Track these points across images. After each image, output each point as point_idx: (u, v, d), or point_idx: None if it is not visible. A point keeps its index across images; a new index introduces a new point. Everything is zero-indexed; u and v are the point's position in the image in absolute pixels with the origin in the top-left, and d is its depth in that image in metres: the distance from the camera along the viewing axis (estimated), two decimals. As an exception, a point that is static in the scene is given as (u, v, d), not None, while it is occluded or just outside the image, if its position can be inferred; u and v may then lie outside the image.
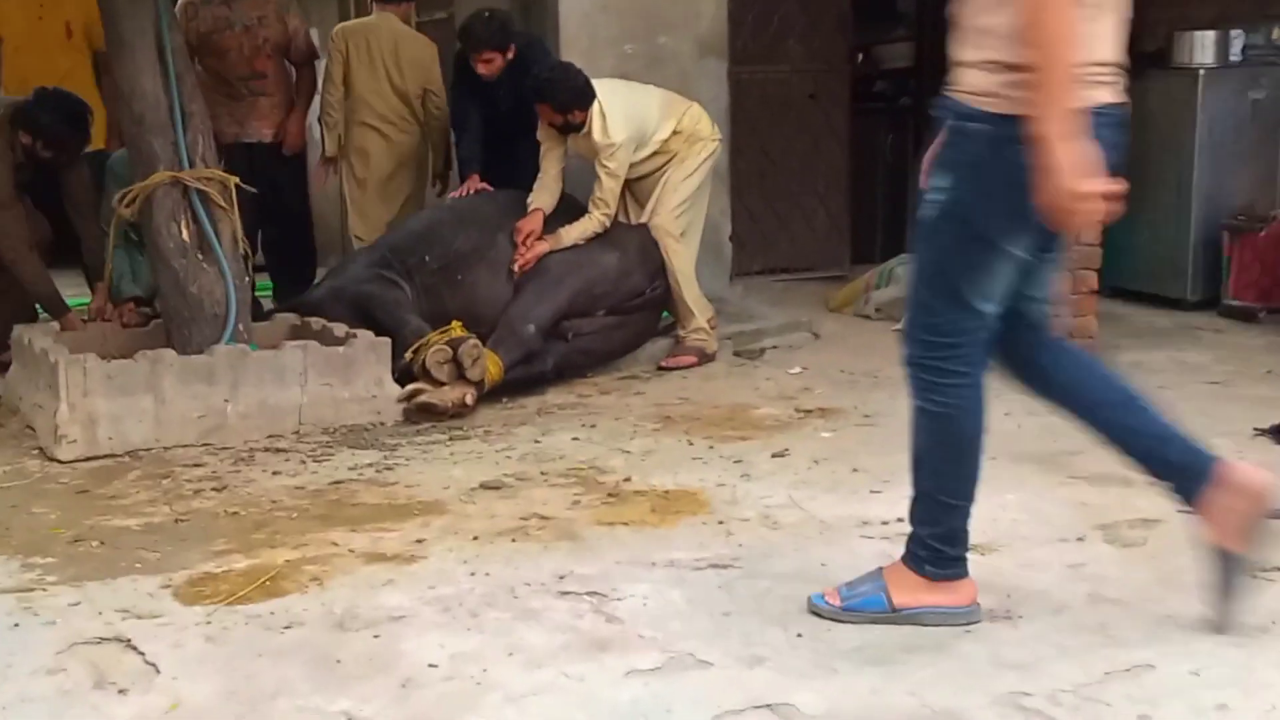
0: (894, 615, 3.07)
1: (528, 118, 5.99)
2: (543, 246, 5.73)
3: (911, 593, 3.08)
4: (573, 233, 5.80)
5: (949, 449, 3.06)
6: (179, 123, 4.99)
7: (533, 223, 5.77)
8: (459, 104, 6.31)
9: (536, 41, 6.35)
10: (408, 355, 5.18)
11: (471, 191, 6.09)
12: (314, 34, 6.86)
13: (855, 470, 4.31)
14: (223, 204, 5.06)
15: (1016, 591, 3.27)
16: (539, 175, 5.90)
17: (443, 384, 5.07)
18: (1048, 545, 3.63)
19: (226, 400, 4.79)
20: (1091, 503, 3.95)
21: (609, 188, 5.81)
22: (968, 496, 3.08)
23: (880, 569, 3.17)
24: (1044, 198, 2.70)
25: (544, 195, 5.86)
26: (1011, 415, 4.95)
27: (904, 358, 3.07)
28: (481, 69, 6.01)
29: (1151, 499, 3.95)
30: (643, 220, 5.98)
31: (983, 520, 3.77)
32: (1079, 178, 2.67)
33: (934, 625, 3.05)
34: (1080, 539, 3.66)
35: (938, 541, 3.07)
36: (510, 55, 6.02)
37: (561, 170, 5.91)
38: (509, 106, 6.11)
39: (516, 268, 5.70)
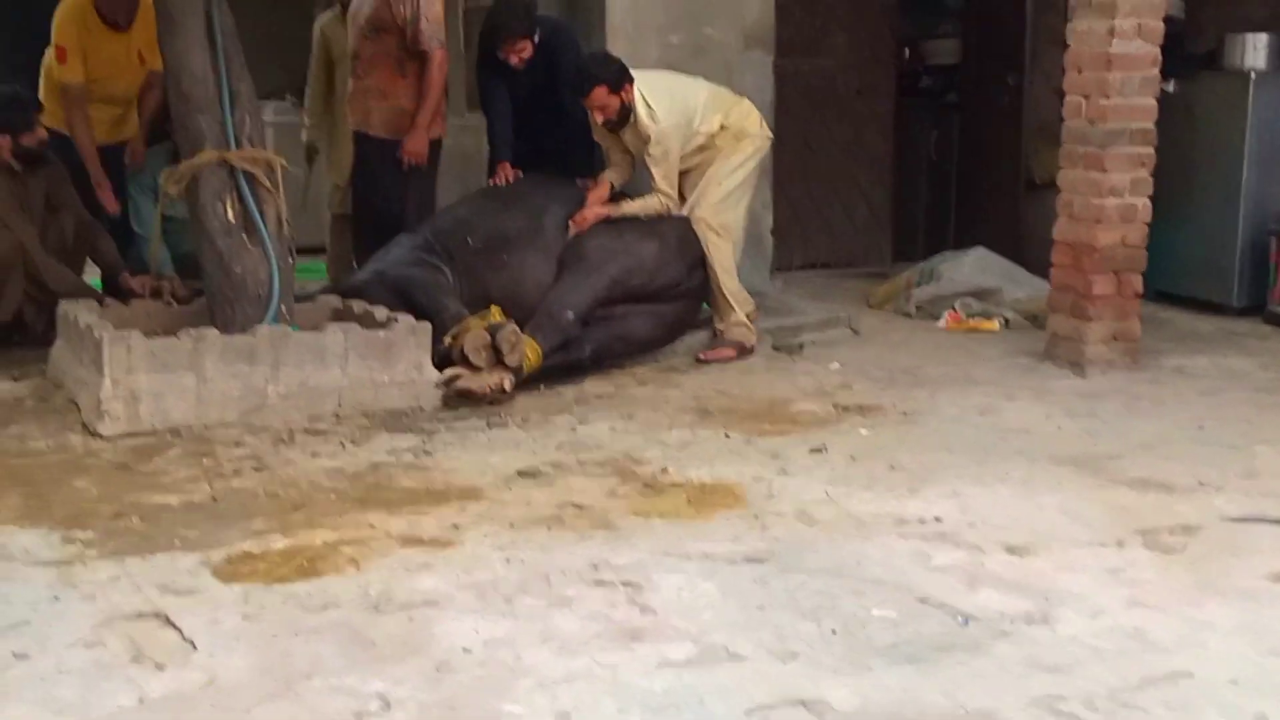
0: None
1: (549, 102, 5.98)
2: (602, 210, 5.77)
3: None
4: (634, 205, 5.83)
5: None
6: (227, 102, 5.02)
7: (600, 189, 5.83)
8: (485, 89, 6.24)
9: (561, 25, 6.31)
10: (446, 340, 5.20)
11: (506, 179, 6.09)
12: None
13: (892, 468, 4.30)
14: (268, 185, 5.09)
15: (1054, 594, 3.25)
16: (607, 157, 5.93)
17: (480, 369, 5.08)
18: (1086, 548, 3.60)
19: (267, 380, 4.82)
20: (1131, 507, 3.92)
21: (660, 175, 5.82)
22: None
23: None
24: None
25: (614, 171, 5.93)
26: (1051, 417, 4.95)
27: None
28: (514, 59, 5.94)
29: (1192, 504, 3.94)
30: (684, 212, 5.97)
31: (1021, 522, 3.77)
32: None
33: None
34: (1119, 543, 3.63)
35: None
36: (537, 39, 5.97)
37: (627, 151, 5.91)
38: (528, 92, 6.09)
39: (573, 224, 5.73)
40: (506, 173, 6.06)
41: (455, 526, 3.73)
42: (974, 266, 6.95)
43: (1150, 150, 5.58)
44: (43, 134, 5.87)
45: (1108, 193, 5.54)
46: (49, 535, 3.64)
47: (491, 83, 6.16)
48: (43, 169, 5.89)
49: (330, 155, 6.90)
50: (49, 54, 6.27)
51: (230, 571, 3.39)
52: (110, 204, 6.26)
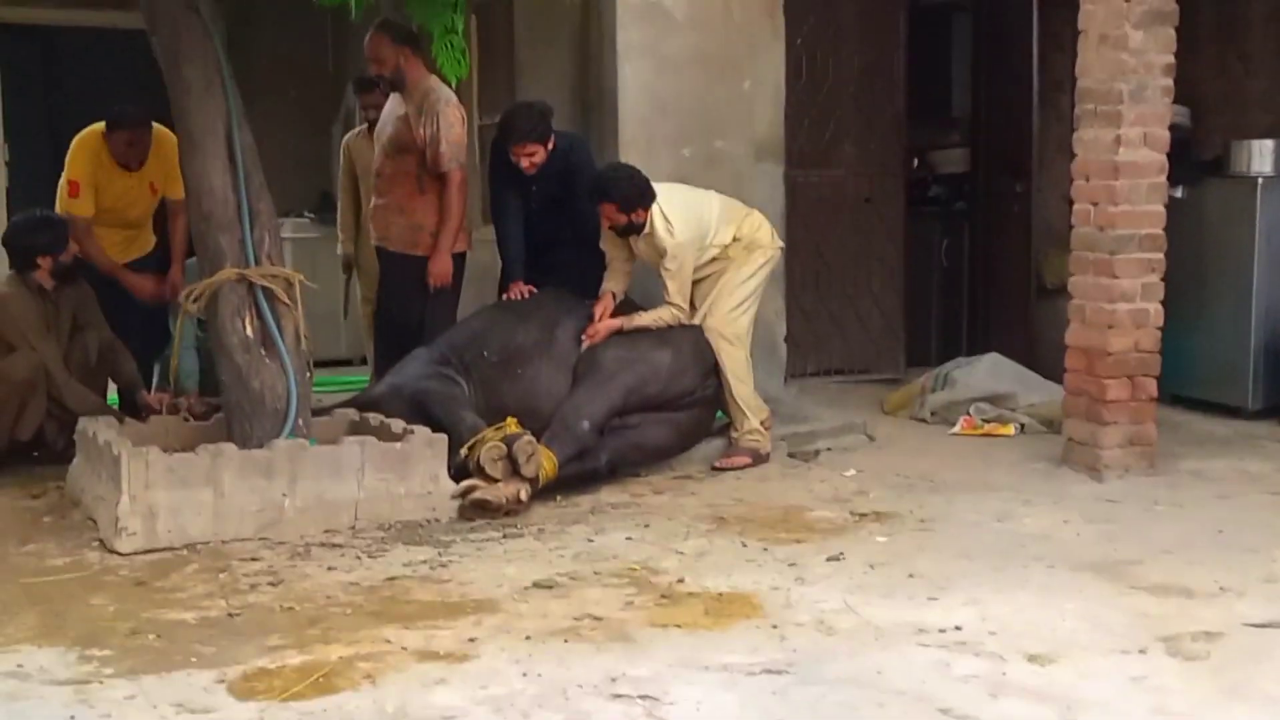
0: None
1: (564, 216, 6.06)
2: (614, 323, 5.81)
3: None
4: (645, 317, 5.87)
5: None
6: (246, 220, 5.10)
7: (604, 303, 5.88)
8: (497, 199, 6.32)
9: (579, 141, 6.42)
10: (463, 452, 5.21)
11: (520, 295, 6.13)
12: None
13: (911, 576, 4.27)
14: (286, 300, 5.15)
15: (1077, 703, 3.22)
16: (608, 263, 5.98)
17: (497, 480, 5.09)
18: (1109, 656, 3.56)
19: (284, 494, 4.83)
20: (1152, 613, 3.89)
21: (674, 289, 5.87)
22: None
23: None
24: None
25: (615, 281, 5.98)
26: (1069, 523, 4.93)
27: None
28: (524, 163, 6.02)
29: (1214, 610, 3.91)
30: (697, 321, 6.01)
31: (1042, 629, 3.74)
32: None
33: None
34: (1142, 650, 3.59)
35: None
36: (550, 146, 6.06)
37: (629, 259, 5.98)
38: (543, 205, 6.16)
39: (585, 338, 5.78)
40: (520, 290, 6.11)
41: (471, 640, 3.71)
42: (988, 372, 6.97)
43: (1160, 255, 5.63)
44: (75, 249, 5.99)
45: (1119, 298, 5.57)
46: (66, 654, 3.63)
47: (504, 196, 6.23)
48: (71, 288, 5.99)
49: (361, 267, 7.02)
50: (62, 184, 6.39)
51: (246, 689, 3.37)
52: (141, 288, 6.37)
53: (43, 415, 5.78)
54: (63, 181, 6.35)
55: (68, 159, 6.37)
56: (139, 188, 6.46)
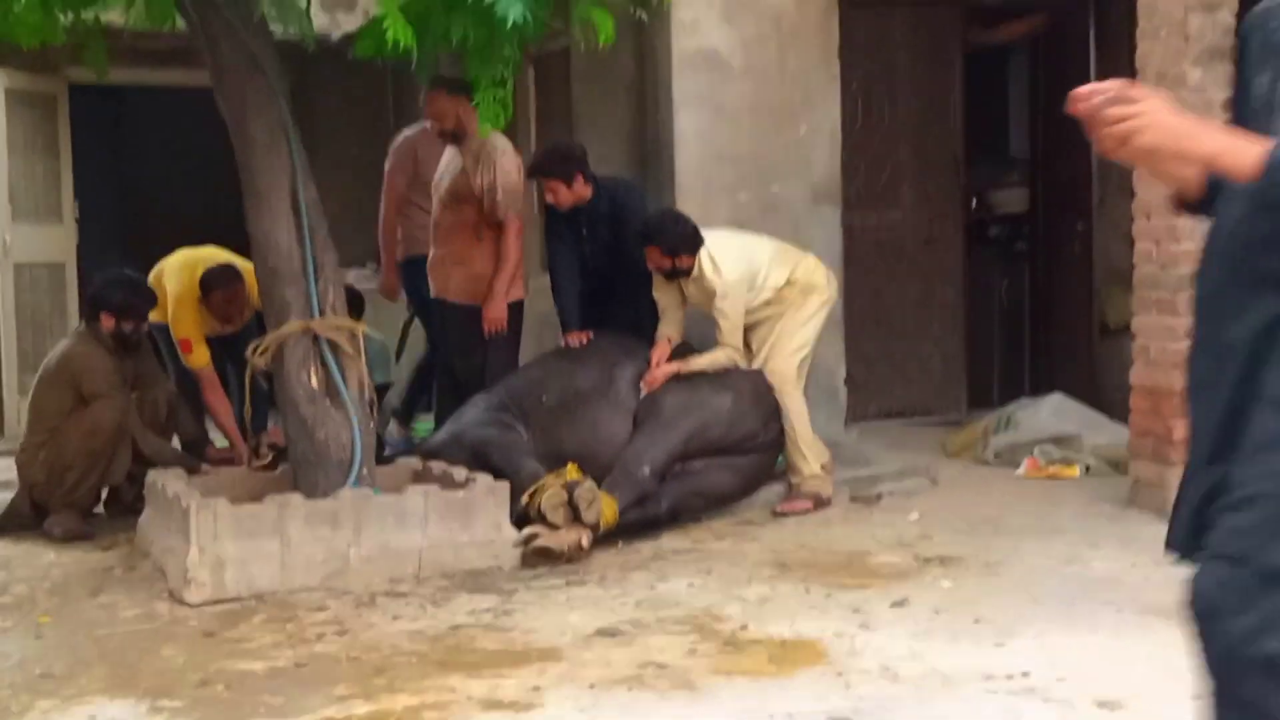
0: None
1: (618, 261, 6.10)
2: (671, 367, 5.84)
3: None
4: (701, 361, 5.89)
5: None
6: (311, 273, 5.18)
7: (661, 348, 5.92)
8: (551, 250, 6.37)
9: (629, 185, 6.45)
10: (524, 499, 5.24)
11: (580, 343, 6.15)
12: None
13: (977, 621, 4.23)
14: (350, 351, 5.22)
15: (1149, 751, 3.17)
16: (661, 311, 6.02)
17: (558, 527, 5.11)
18: (1181, 702, 3.49)
19: (350, 544, 4.88)
20: (1225, 658, 3.82)
21: (727, 330, 5.89)
22: None
23: None
24: None
25: (669, 326, 6.01)
26: (1138, 566, 4.85)
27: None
28: (548, 197, 6.11)
29: (1289, 655, 3.83)
30: (756, 365, 6.02)
31: (1112, 675, 3.69)
32: None
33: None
34: (1215, 696, 3.53)
35: None
36: (576, 187, 6.07)
37: (682, 305, 6.01)
38: (595, 249, 6.20)
39: (644, 385, 5.80)
40: (577, 338, 6.15)
41: (536, 688, 3.72)
42: (1052, 413, 6.91)
43: (1224, 293, 5.56)
44: (143, 328, 6.06)
45: (1184, 337, 5.47)
46: (137, 705, 3.68)
47: (559, 246, 6.28)
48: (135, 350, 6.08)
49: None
50: (158, 268, 6.51)
51: (314, 738, 3.40)
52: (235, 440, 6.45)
53: (130, 459, 5.85)
54: (175, 339, 6.47)
55: (172, 319, 6.44)
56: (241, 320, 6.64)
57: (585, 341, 6.12)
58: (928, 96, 7.68)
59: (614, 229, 6.14)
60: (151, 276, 6.53)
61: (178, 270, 6.55)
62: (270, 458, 5.78)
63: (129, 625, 4.47)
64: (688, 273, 5.87)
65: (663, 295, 6.02)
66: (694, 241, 5.84)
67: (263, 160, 5.15)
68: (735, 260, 5.91)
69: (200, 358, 6.44)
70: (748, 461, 5.93)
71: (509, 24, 4.41)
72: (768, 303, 6.04)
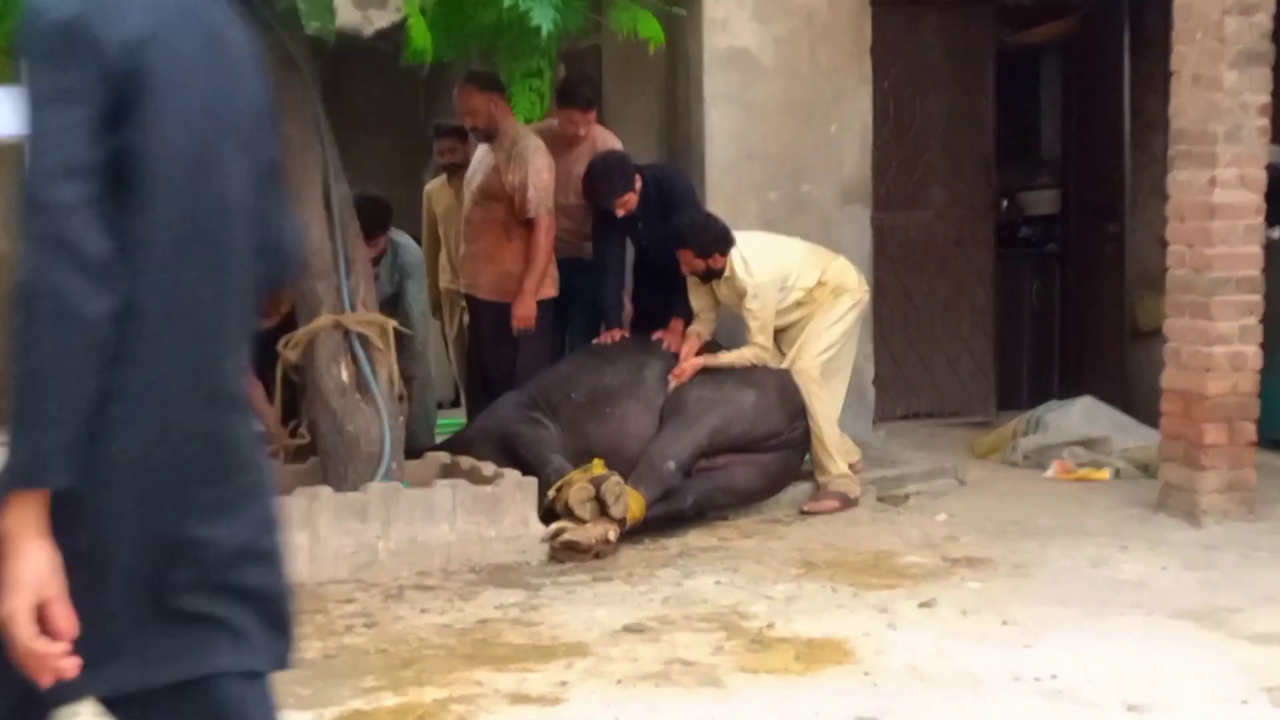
0: None
1: (670, 248, 6.10)
2: (699, 361, 5.86)
3: None
4: (729, 356, 5.90)
5: None
6: (343, 268, 5.21)
7: (691, 342, 5.93)
8: (599, 245, 6.38)
9: (669, 170, 6.43)
10: (550, 494, 5.26)
11: (612, 339, 6.18)
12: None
13: (1005, 622, 4.22)
14: (380, 346, 5.25)
15: (1177, 754, 3.16)
16: (695, 313, 6.02)
17: (585, 521, 5.13)
18: (1210, 706, 3.50)
19: (378, 537, 4.91)
20: (1255, 663, 3.80)
21: (756, 328, 5.90)
22: None
23: None
24: None
25: (700, 325, 6.02)
26: (1167, 569, 4.84)
27: None
28: (620, 211, 6.09)
29: (1320, 661, 3.81)
30: (785, 364, 6.02)
31: (1140, 678, 3.68)
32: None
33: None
34: (1244, 701, 3.52)
35: None
36: (636, 188, 6.07)
37: (715, 307, 6.02)
38: (651, 241, 6.19)
39: (672, 377, 5.81)
40: (615, 335, 6.16)
41: (563, 683, 3.73)
42: (1081, 415, 6.87)
43: (1257, 298, 5.53)
44: None
45: (1215, 341, 5.48)
46: (167, 692, 3.70)
47: (608, 244, 6.28)
48: None
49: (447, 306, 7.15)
50: None
51: (342, 729, 3.42)
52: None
53: None
54: None
55: None
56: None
57: (617, 339, 6.14)
58: (959, 96, 7.65)
59: (664, 216, 6.11)
60: None
61: None
62: (308, 438, 5.77)
63: (159, 615, 4.50)
64: (720, 273, 5.88)
65: (697, 298, 6.03)
66: (726, 243, 5.85)
67: (296, 157, 5.16)
68: (766, 261, 5.91)
69: None
70: (773, 459, 5.92)
71: (543, 33, 4.43)
72: (798, 303, 6.04)
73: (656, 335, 6.05)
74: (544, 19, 4.39)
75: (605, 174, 6.11)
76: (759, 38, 6.86)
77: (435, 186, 7.24)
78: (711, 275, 5.90)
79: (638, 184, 6.09)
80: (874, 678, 3.74)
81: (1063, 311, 8.39)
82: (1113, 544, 5.19)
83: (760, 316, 5.90)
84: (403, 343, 6.10)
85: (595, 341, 6.23)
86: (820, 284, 6.05)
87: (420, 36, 4.44)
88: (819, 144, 6.99)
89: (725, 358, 5.91)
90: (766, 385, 5.91)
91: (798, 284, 6.01)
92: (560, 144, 6.37)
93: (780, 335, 6.05)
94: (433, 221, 7.18)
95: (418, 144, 9.79)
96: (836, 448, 5.97)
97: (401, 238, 6.71)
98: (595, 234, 6.41)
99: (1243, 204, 5.47)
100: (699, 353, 5.94)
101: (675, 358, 5.92)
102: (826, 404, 6.00)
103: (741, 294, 5.88)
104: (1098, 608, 4.35)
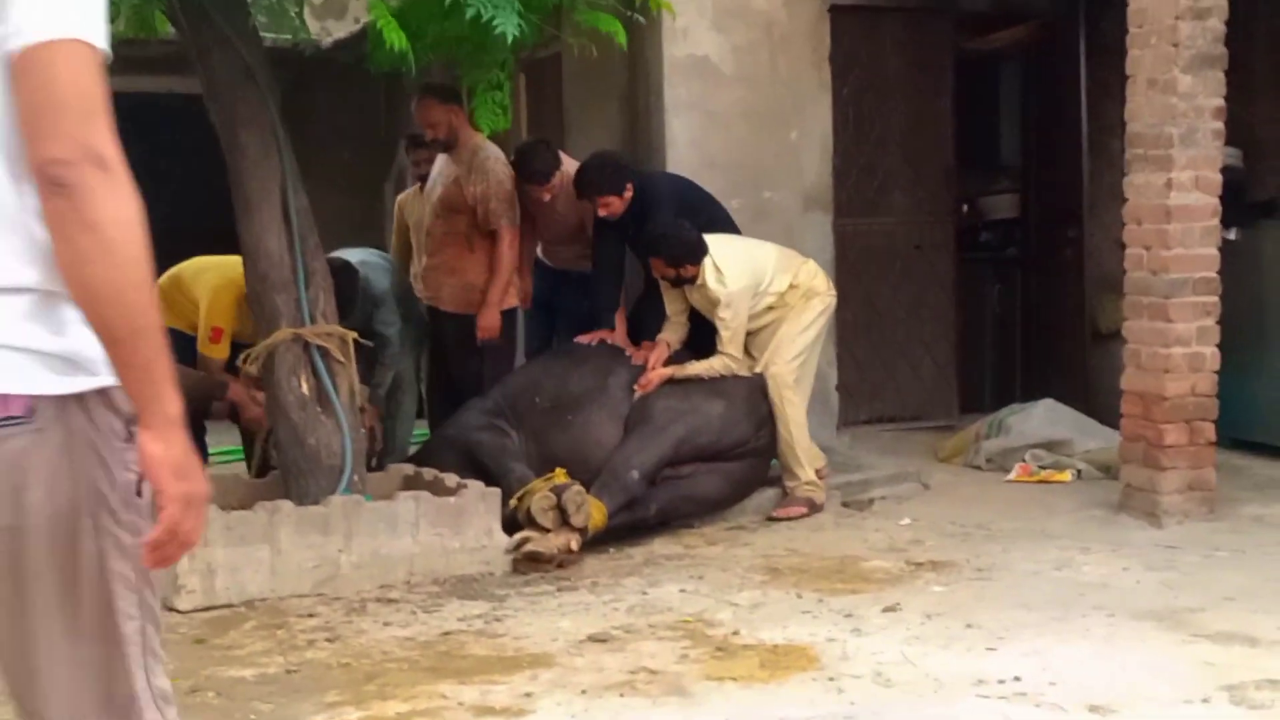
0: None
1: None
2: (666, 371, 5.85)
3: None
4: (698, 366, 5.89)
5: None
6: (301, 280, 5.17)
7: (659, 351, 5.92)
8: (596, 245, 6.32)
9: (659, 178, 6.41)
10: (512, 502, 5.24)
11: (597, 341, 6.14)
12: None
13: (969, 626, 4.23)
14: (341, 358, 5.21)
15: (1140, 755, 3.17)
16: (668, 316, 6.02)
17: (548, 530, 5.11)
18: (1172, 706, 3.51)
19: (340, 550, 4.87)
20: (1216, 662, 3.83)
21: (728, 338, 5.89)
22: None
23: None
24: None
25: (671, 332, 6.02)
26: (1129, 570, 4.86)
27: None
28: (601, 212, 6.08)
29: (1279, 658, 3.84)
30: (757, 370, 6.02)
31: (1103, 679, 3.69)
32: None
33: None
34: (1205, 700, 3.54)
35: None
36: (626, 194, 6.05)
37: (686, 311, 6.02)
38: (634, 248, 6.18)
39: (637, 387, 5.80)
40: (595, 337, 6.11)
41: (527, 695, 3.71)
42: (1043, 418, 6.91)
43: (1215, 299, 5.58)
44: None
45: (1174, 342, 5.53)
46: (127, 711, 3.66)
47: (604, 245, 6.24)
48: None
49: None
50: (204, 328, 6.31)
51: (304, 745, 3.39)
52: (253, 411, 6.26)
53: None
54: (204, 326, 6.10)
55: (207, 305, 6.12)
56: None
57: (596, 342, 6.11)
58: (919, 103, 7.69)
59: (643, 220, 6.09)
60: (164, 281, 6.44)
61: (216, 267, 6.39)
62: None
63: (119, 632, 4.45)
64: (692, 281, 5.87)
65: (669, 301, 6.03)
66: (697, 251, 5.84)
67: (254, 168, 5.14)
68: (741, 269, 5.91)
69: (222, 351, 6.32)
70: (738, 467, 5.92)
71: (509, 40, 4.42)
72: (770, 307, 6.04)
73: (629, 349, 6.03)
74: (509, 25, 4.38)
75: (592, 171, 6.11)
76: (719, 46, 6.88)
77: (408, 197, 7.19)
78: (681, 282, 5.90)
79: (628, 191, 6.07)
80: (839, 684, 3.74)
81: (1024, 315, 8.46)
82: (1075, 546, 5.22)
83: (732, 326, 5.90)
84: (376, 356, 6.07)
85: (577, 340, 6.19)
86: (792, 287, 6.07)
87: (393, 36, 4.41)
88: (780, 151, 7.02)
89: (694, 368, 5.90)
90: (734, 395, 5.91)
91: (771, 288, 6.02)
92: (537, 201, 6.33)
93: (751, 339, 6.05)
94: (404, 231, 7.13)
95: (378, 154, 9.77)
96: (805, 453, 5.98)
97: (368, 269, 6.39)
98: (594, 234, 6.36)
99: (1199, 206, 5.52)
100: (668, 361, 5.94)
101: (643, 366, 5.91)
102: (798, 409, 6.00)
103: (715, 303, 5.88)
104: (1061, 610, 4.37)
